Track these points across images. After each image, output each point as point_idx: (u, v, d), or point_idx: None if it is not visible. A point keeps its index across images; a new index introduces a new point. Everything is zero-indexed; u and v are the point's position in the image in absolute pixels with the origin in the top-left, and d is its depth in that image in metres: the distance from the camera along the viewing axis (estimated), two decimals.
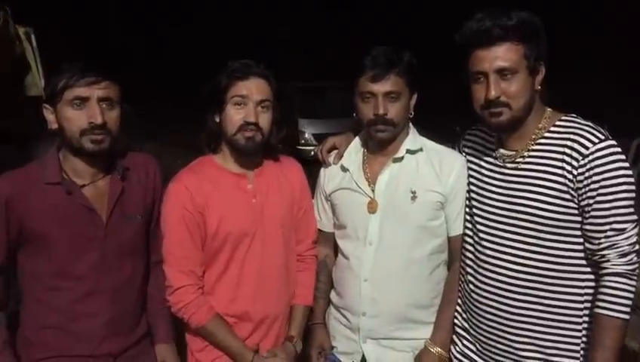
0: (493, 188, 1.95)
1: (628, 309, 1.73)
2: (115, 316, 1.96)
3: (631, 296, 1.73)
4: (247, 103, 1.99)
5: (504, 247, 1.90)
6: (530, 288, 1.86)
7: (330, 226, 2.26)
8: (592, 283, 1.81)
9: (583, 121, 1.83)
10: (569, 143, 1.78)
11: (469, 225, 2.04)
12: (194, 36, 18.73)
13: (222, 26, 19.11)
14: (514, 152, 1.90)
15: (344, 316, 2.18)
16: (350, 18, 18.92)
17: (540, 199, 1.82)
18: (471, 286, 2.00)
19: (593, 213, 1.75)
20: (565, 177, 1.78)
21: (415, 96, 2.08)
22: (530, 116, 1.86)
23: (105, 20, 18.91)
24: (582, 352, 1.84)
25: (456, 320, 2.10)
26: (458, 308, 2.10)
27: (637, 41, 12.42)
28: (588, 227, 1.78)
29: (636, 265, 1.75)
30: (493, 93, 1.79)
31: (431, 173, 2.07)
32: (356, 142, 2.21)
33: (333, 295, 2.25)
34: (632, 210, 1.74)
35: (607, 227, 1.74)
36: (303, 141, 10.56)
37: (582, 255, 1.82)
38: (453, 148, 2.17)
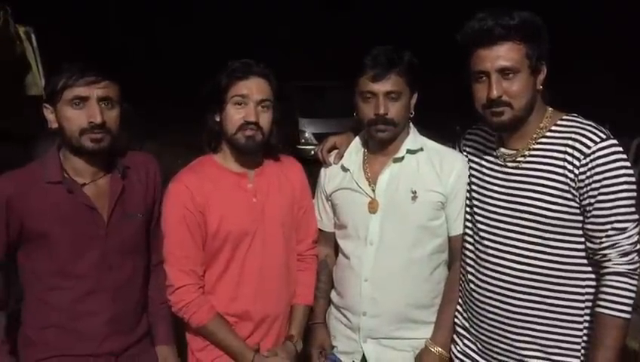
0: (494, 188, 1.95)
1: (629, 308, 1.73)
2: (116, 315, 1.96)
3: (632, 295, 1.73)
4: (248, 103, 1.99)
5: (505, 246, 1.90)
6: (531, 287, 1.86)
7: (330, 226, 2.26)
8: (593, 283, 1.81)
9: (584, 121, 1.83)
10: (571, 142, 1.78)
11: (470, 225, 2.04)
12: (194, 36, 18.74)
13: (222, 26, 19.12)
14: (515, 151, 1.90)
15: (344, 316, 2.18)
16: (350, 18, 18.94)
17: (541, 198, 1.82)
18: (472, 285, 2.00)
19: (595, 213, 1.75)
20: (567, 176, 1.78)
21: (416, 96, 2.08)
22: (532, 116, 1.86)
23: (105, 20, 18.92)
24: (583, 351, 1.84)
25: (456, 320, 2.10)
26: (459, 307, 2.10)
27: (637, 41, 12.43)
28: (589, 226, 1.78)
29: (637, 265, 1.75)
30: (495, 93, 1.79)
31: (431, 172, 2.07)
32: (356, 141, 2.21)
33: (333, 294, 2.25)
34: (633, 209, 1.74)
35: (608, 226, 1.74)
36: (303, 140, 10.56)
37: (583, 254, 1.82)
38: (454, 147, 2.17)
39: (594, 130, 1.78)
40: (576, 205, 1.79)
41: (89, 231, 1.90)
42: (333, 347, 2.21)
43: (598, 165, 1.73)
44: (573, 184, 1.77)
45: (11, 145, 3.75)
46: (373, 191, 2.09)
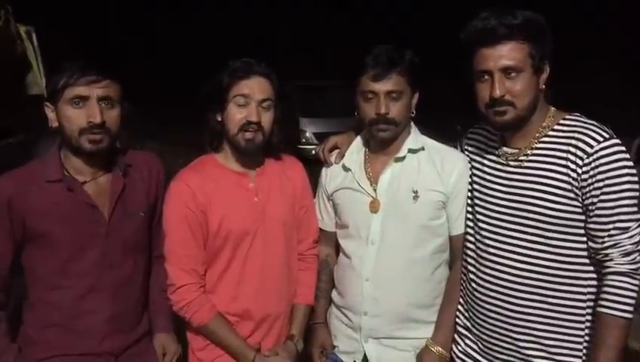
0: (496, 187, 1.94)
1: (631, 308, 1.73)
2: (117, 313, 1.96)
3: (634, 295, 1.73)
4: (249, 102, 1.98)
5: (507, 246, 1.89)
6: (532, 286, 1.86)
7: (331, 226, 2.26)
8: (595, 282, 1.81)
9: (587, 120, 1.83)
10: (573, 142, 1.78)
11: (471, 224, 2.04)
12: (194, 36, 18.76)
13: (222, 26, 19.13)
14: (517, 150, 1.90)
15: (345, 315, 2.18)
16: (350, 18, 18.95)
17: (543, 197, 1.81)
18: (473, 284, 2.00)
19: (597, 212, 1.75)
20: (569, 175, 1.78)
21: (417, 95, 2.08)
22: (535, 115, 1.86)
23: (105, 20, 18.93)
24: (585, 351, 1.84)
25: (458, 320, 2.10)
26: (460, 307, 2.10)
27: None
28: (591, 226, 1.77)
29: (639, 264, 1.74)
30: (497, 92, 1.79)
31: (432, 172, 2.06)
32: (358, 141, 2.21)
33: (334, 294, 2.24)
34: (635, 209, 1.74)
35: (610, 226, 1.74)
36: (303, 140, 10.56)
37: (585, 253, 1.82)
38: (455, 146, 2.17)
39: (597, 130, 1.77)
40: (578, 204, 1.78)
41: (90, 229, 1.89)
42: (334, 347, 2.21)
43: (600, 164, 1.73)
44: (575, 183, 1.77)
45: (12, 145, 3.75)
46: (375, 190, 2.09)
